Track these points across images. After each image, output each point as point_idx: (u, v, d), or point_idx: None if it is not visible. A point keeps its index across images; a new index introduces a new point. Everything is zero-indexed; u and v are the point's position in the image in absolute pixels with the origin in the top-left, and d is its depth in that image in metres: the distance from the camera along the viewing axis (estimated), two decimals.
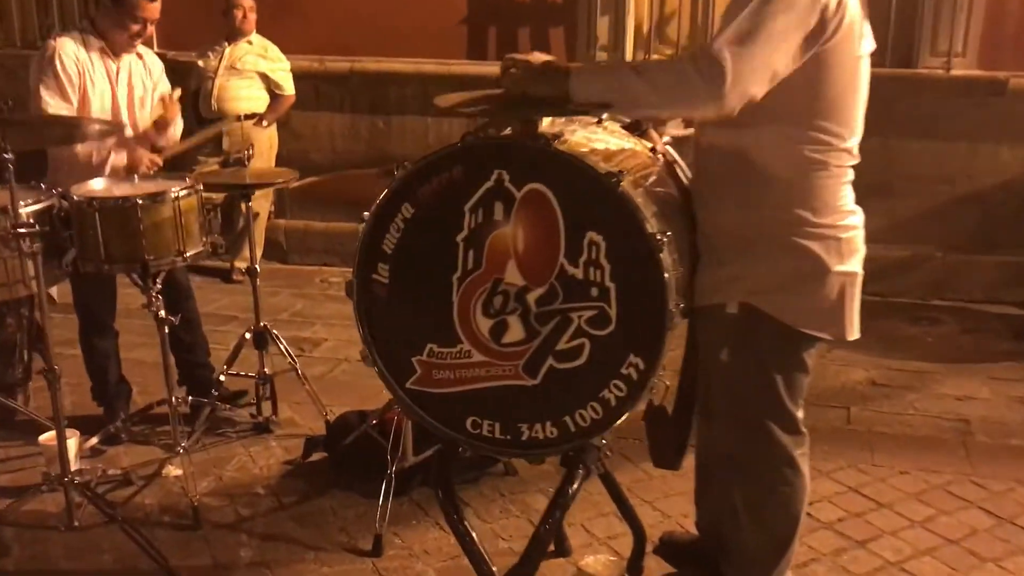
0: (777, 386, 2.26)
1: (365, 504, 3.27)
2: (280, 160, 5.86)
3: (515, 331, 2.05)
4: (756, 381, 2.25)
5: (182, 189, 3.15)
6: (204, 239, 3.28)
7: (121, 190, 3.23)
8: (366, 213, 2.09)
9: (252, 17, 5.65)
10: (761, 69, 1.92)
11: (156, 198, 3.09)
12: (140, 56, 3.67)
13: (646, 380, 1.98)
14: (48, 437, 3.23)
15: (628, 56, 5.66)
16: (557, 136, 2.03)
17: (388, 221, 2.08)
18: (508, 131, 2.17)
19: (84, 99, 3.48)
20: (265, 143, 5.75)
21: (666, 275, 1.92)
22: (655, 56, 5.65)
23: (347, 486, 3.40)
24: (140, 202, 3.05)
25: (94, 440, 3.60)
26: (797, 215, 2.11)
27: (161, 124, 3.64)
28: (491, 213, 2.02)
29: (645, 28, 5.69)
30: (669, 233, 1.97)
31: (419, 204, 2.06)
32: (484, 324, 2.06)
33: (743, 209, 2.14)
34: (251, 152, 3.73)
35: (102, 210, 3.04)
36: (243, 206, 3.72)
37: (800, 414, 2.34)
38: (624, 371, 1.99)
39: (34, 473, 3.29)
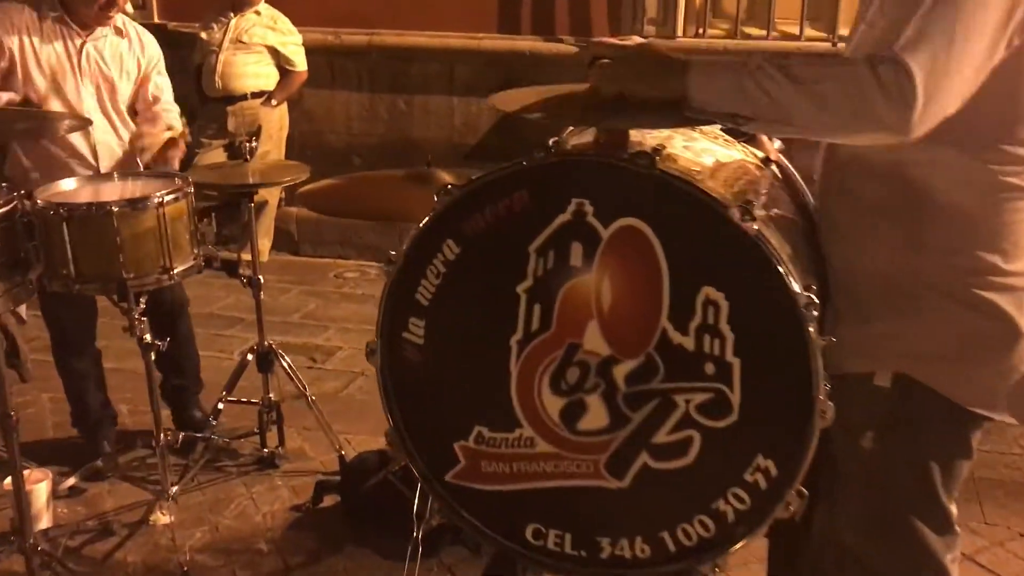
0: (932, 477, 1.71)
1: (385, 567, 2.77)
2: (291, 142, 5.33)
3: (596, 415, 1.51)
4: (906, 472, 1.70)
5: (168, 192, 2.60)
6: (195, 252, 2.75)
7: (94, 192, 2.70)
8: (393, 253, 1.54)
9: None
10: (960, 81, 1.35)
11: (136, 205, 2.55)
12: (122, 33, 3.12)
13: (780, 492, 1.44)
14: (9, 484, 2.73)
15: (679, 31, 5.06)
16: (659, 150, 1.47)
17: (424, 263, 1.54)
18: (585, 141, 1.61)
19: (22, 80, 2.96)
20: (274, 124, 5.20)
21: (815, 351, 1.38)
22: (711, 31, 5.05)
23: (363, 540, 2.90)
24: (116, 210, 2.51)
25: (71, 480, 3.11)
26: (981, 260, 1.55)
27: (158, 159, 3.11)
28: (566, 257, 1.47)
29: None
30: (815, 288, 1.42)
31: (467, 242, 1.51)
32: (553, 404, 1.52)
33: (903, 250, 1.58)
34: (256, 142, 3.19)
35: (71, 219, 2.50)
36: (247, 204, 3.20)
37: (954, 509, 1.80)
38: (748, 477, 1.45)
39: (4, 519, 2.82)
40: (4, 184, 2.71)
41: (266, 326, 3.34)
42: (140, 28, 3.22)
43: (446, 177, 2.39)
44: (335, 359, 4.28)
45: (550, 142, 1.51)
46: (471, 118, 5.34)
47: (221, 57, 5.03)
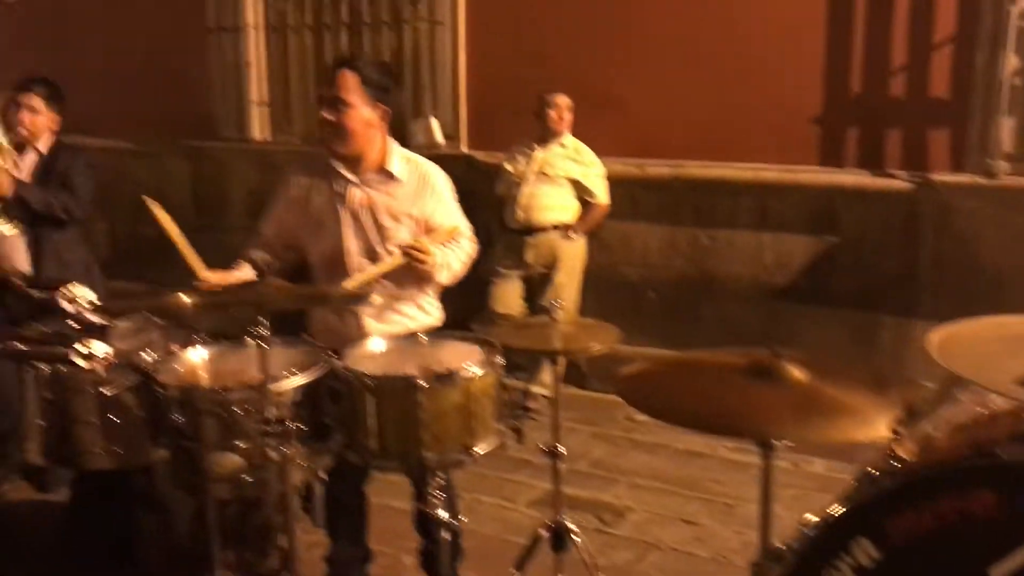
0: None
1: None
2: (586, 273, 5.14)
3: None
4: None
5: (477, 364, 2.40)
6: (500, 427, 2.51)
7: (400, 356, 2.56)
8: (781, 546, 1.16)
9: (568, 117, 5.00)
10: None
11: (444, 379, 2.36)
12: (393, 176, 2.89)
13: None
14: None
15: None
16: None
17: (820, 564, 1.14)
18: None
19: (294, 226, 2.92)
20: (572, 257, 5.05)
21: None
22: None
23: None
24: (423, 384, 2.33)
25: None
26: None
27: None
28: None
29: None
30: None
31: (891, 548, 1.09)
32: None
33: None
34: (559, 303, 2.93)
35: (377, 390, 2.35)
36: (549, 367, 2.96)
37: None
38: None
39: None
40: (316, 343, 2.66)
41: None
42: (426, 168, 2.96)
43: (797, 375, 1.96)
44: (626, 523, 3.90)
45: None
46: (784, 256, 4.89)
47: (524, 189, 4.98)
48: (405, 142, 3.19)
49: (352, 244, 2.87)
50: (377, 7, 5.74)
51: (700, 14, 5.03)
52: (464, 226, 3.00)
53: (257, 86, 6.22)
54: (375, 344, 2.64)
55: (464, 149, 5.67)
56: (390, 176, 2.88)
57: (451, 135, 5.59)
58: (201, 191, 6.56)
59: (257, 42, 6.15)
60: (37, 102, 3.98)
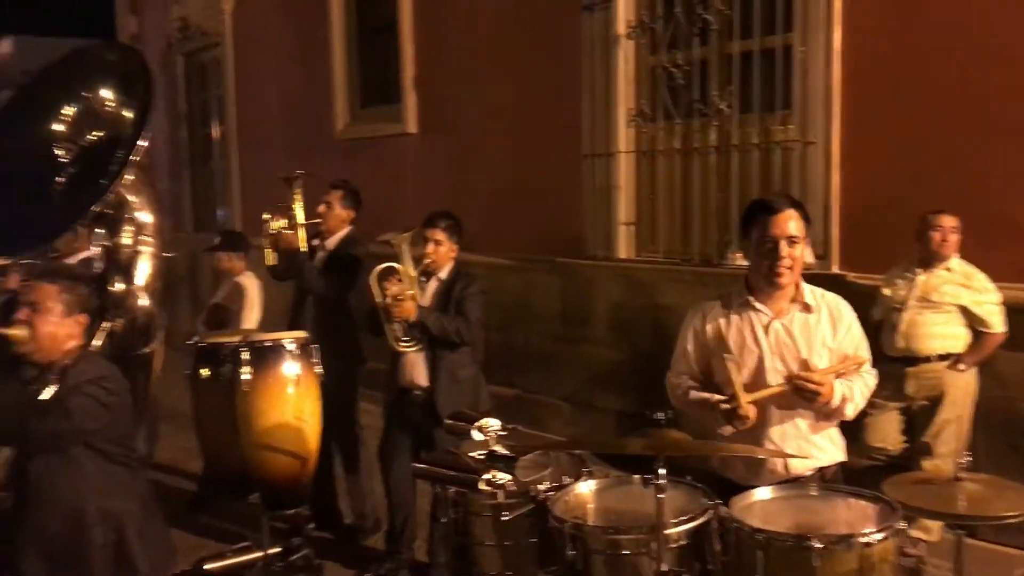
0: None
1: None
2: (978, 411, 4.68)
3: None
4: None
5: (877, 531, 2.25)
6: None
7: (794, 510, 2.47)
8: None
9: (953, 239, 4.65)
10: None
11: (839, 542, 2.25)
12: (811, 308, 2.96)
13: None
14: None
15: None
16: None
17: None
18: None
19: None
20: (960, 390, 4.64)
21: None
22: None
23: None
24: (818, 546, 2.23)
25: None
26: None
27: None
28: None
29: None
30: None
31: None
32: None
33: None
34: (967, 457, 2.69)
35: (768, 548, 2.29)
36: None
37: None
38: None
39: None
40: (700, 485, 2.66)
41: None
42: (833, 299, 3.02)
43: None
44: None
45: None
46: None
47: (905, 315, 4.69)
48: None
49: (771, 376, 2.91)
50: (747, 130, 5.79)
51: None
52: (869, 357, 3.00)
53: (625, 207, 6.49)
54: (761, 493, 2.58)
55: (835, 269, 5.46)
56: (807, 308, 2.96)
57: (821, 255, 5.43)
58: (569, 305, 6.91)
59: (627, 166, 6.44)
60: (441, 235, 4.46)
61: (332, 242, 5.04)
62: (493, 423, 2.69)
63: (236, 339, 4.21)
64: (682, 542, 2.41)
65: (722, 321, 2.98)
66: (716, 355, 2.96)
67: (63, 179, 2.94)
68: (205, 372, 4.19)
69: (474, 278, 4.55)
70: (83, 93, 3.04)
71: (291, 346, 4.09)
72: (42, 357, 2.61)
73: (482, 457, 2.66)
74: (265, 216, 4.96)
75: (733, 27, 5.82)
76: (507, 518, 2.62)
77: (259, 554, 4.27)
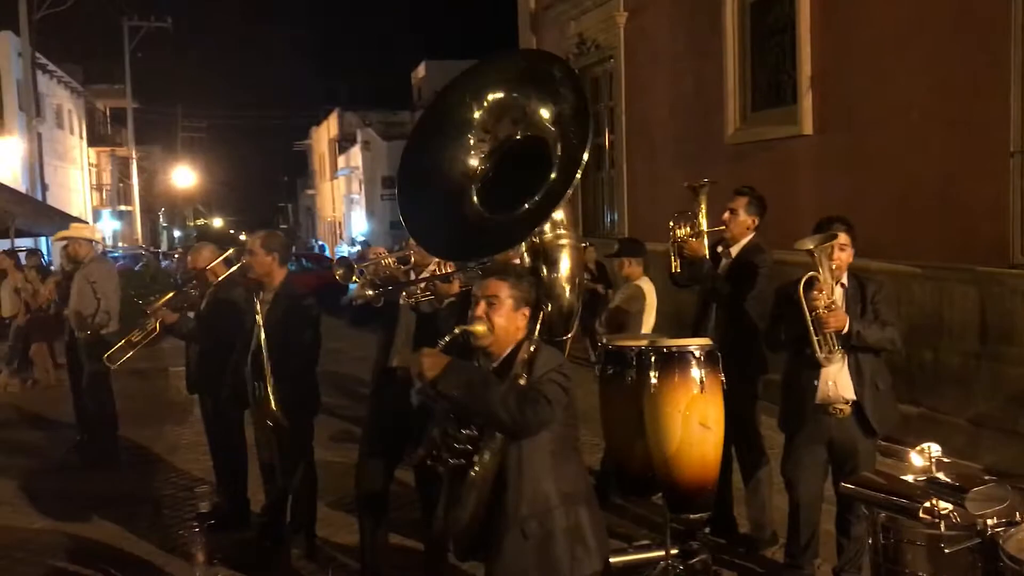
0: None
1: None
2: None
3: None
4: None
5: None
6: None
7: None
8: None
9: None
10: None
11: None
12: None
13: None
14: None
15: None
16: None
17: None
18: None
19: None
20: None
21: None
22: None
23: None
24: None
25: None
26: None
27: None
28: None
29: None
30: None
31: None
32: None
33: None
34: None
35: None
36: None
37: None
38: None
39: None
40: None
41: None
42: None
43: None
44: None
45: None
46: None
47: None
48: None
49: None
50: None
51: None
52: None
53: None
54: None
55: None
56: None
57: None
58: (989, 318, 6.27)
59: None
60: (844, 239, 4.22)
61: (735, 249, 5.01)
62: (935, 448, 2.51)
63: (643, 343, 4.35)
64: None
65: None
66: None
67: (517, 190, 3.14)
68: (611, 373, 4.40)
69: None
70: (520, 102, 3.20)
71: (697, 353, 4.14)
72: (497, 349, 2.85)
73: (921, 483, 2.50)
74: (670, 224, 5.06)
75: None
76: (948, 551, 2.44)
77: (660, 553, 4.38)
